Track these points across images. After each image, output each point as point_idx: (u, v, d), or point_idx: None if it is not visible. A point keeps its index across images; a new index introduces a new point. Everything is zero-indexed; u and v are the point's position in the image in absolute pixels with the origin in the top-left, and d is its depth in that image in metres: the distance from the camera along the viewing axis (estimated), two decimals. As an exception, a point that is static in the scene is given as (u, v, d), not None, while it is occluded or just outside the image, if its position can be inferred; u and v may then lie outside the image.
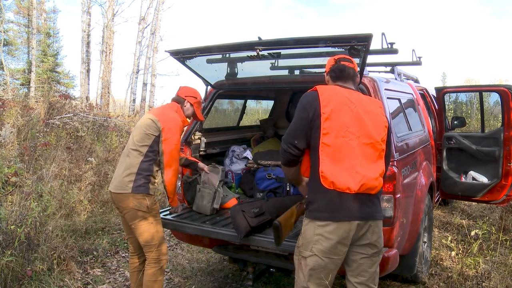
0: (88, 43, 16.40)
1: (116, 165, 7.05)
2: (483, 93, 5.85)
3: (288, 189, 3.86)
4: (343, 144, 2.22)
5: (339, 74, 2.42)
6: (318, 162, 2.23)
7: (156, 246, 2.98)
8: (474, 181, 4.99)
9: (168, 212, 3.48)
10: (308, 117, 2.24)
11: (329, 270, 2.28)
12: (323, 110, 2.23)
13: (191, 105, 3.26)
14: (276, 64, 3.72)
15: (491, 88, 5.50)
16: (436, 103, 5.49)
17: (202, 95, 3.95)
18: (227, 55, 3.45)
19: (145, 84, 16.45)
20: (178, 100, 3.24)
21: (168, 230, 4.60)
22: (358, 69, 2.79)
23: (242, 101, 5.65)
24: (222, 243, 3.39)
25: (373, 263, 2.36)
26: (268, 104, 6.67)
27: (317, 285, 2.29)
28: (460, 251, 4.06)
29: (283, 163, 2.38)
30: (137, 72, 16.87)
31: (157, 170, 3.05)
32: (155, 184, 3.04)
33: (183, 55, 3.33)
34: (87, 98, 14.88)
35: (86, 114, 9.12)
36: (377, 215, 2.32)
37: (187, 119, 3.30)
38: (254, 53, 3.03)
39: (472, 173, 5.04)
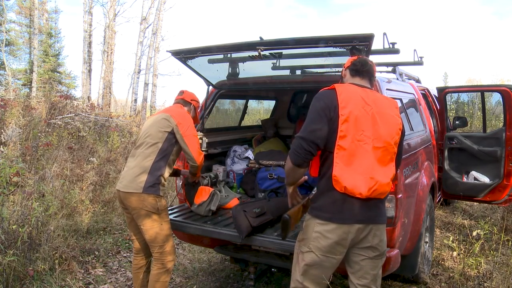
0: (90, 43, 16.39)
1: (118, 165, 7.08)
2: (484, 93, 5.85)
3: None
4: (358, 148, 2.14)
5: (360, 68, 2.34)
6: (331, 164, 2.16)
7: (159, 245, 2.99)
8: (475, 181, 4.99)
9: (171, 212, 3.48)
10: (329, 116, 2.15)
11: (324, 268, 2.26)
12: (341, 111, 2.14)
13: (195, 108, 3.39)
14: (277, 64, 3.72)
15: (493, 88, 5.49)
16: (438, 103, 5.49)
17: (204, 95, 3.99)
18: (229, 55, 3.45)
19: (146, 84, 16.43)
20: (184, 103, 3.33)
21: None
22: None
23: (243, 101, 5.65)
24: (223, 243, 3.39)
25: (375, 266, 2.32)
26: (270, 104, 6.67)
27: (311, 281, 2.28)
28: (462, 251, 4.06)
29: (297, 163, 2.18)
30: (139, 72, 16.86)
31: (169, 172, 3.09)
32: (165, 185, 3.05)
33: (184, 55, 3.34)
34: (89, 98, 14.90)
35: (88, 114, 9.14)
36: (379, 219, 2.26)
37: None
38: (255, 53, 3.03)
39: (473, 173, 5.04)
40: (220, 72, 3.73)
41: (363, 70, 2.34)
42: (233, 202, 3.64)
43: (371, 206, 2.20)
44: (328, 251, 2.22)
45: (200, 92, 3.50)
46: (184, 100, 3.33)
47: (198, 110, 3.48)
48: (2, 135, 6.36)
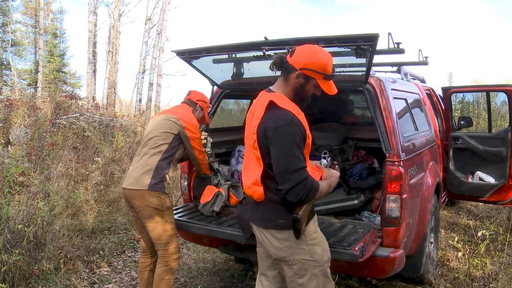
0: (95, 43, 16.43)
1: (123, 164, 7.10)
2: (490, 93, 5.82)
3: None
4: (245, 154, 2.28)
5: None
6: None
7: (164, 243, 3.01)
8: (481, 182, 4.97)
9: (176, 212, 3.48)
10: None
11: (260, 259, 2.41)
12: None
13: (202, 109, 3.41)
14: (282, 64, 3.70)
15: (498, 88, 5.47)
16: (443, 103, 5.47)
17: (208, 95, 3.99)
18: (233, 55, 3.46)
19: (151, 84, 16.51)
20: (190, 103, 3.38)
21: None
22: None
23: (248, 101, 5.65)
24: (225, 242, 3.39)
25: (282, 269, 2.32)
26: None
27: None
28: (467, 252, 4.04)
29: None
30: (143, 72, 16.91)
31: (173, 170, 3.15)
32: (170, 184, 3.08)
33: (189, 55, 3.35)
34: (94, 98, 14.95)
35: (93, 114, 9.17)
36: (257, 222, 2.23)
37: None
38: (260, 53, 3.03)
39: (479, 173, 5.01)
40: (224, 72, 3.73)
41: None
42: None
43: (255, 207, 2.25)
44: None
45: (205, 92, 3.51)
46: (191, 100, 3.38)
47: (207, 110, 3.49)
48: (10, 135, 6.40)
